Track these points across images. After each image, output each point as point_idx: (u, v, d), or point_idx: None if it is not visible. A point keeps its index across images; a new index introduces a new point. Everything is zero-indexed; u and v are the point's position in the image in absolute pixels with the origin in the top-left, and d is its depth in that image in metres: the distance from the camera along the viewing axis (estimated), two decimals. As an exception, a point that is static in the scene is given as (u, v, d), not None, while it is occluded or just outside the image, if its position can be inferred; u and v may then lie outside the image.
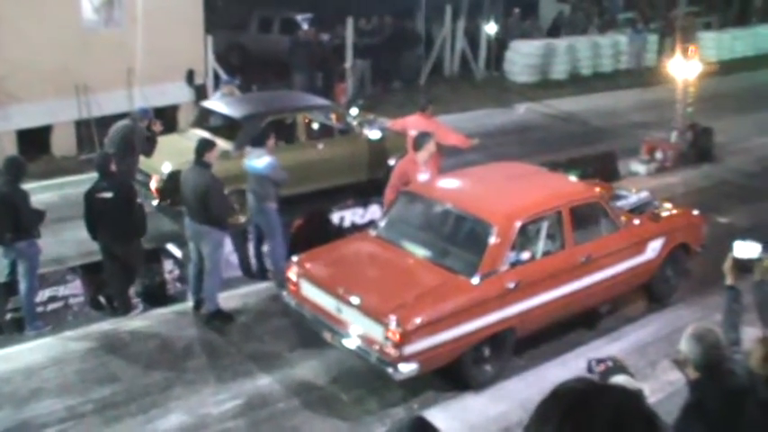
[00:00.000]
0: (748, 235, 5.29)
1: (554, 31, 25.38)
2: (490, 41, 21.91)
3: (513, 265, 7.76)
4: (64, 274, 9.08)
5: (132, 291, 9.12)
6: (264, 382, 7.84)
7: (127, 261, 8.93)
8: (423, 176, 9.11)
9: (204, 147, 8.92)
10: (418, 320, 7.03)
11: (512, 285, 7.60)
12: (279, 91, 16.57)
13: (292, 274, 8.23)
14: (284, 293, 8.57)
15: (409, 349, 6.99)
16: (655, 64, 24.04)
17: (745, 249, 4.96)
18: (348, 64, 19.40)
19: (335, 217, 10.86)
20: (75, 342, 8.53)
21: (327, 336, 7.79)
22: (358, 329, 7.40)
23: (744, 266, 4.96)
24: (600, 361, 3.68)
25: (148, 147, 10.71)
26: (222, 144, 10.66)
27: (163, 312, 9.20)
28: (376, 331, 7.16)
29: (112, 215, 8.67)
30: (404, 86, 20.64)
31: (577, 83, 22.79)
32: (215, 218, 8.71)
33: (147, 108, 11.28)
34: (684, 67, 14.83)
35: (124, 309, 9.03)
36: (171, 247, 9.83)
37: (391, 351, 7.00)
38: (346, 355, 7.86)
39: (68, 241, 10.41)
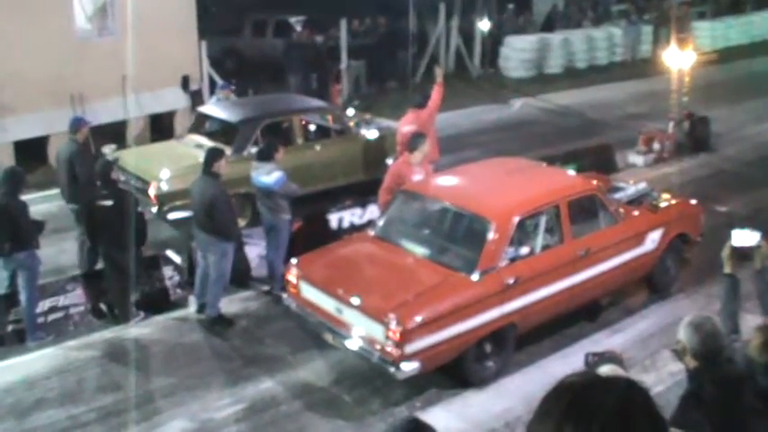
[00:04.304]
0: (746, 223, 5.28)
1: (548, 25, 25.38)
2: (484, 38, 21.92)
3: (512, 260, 7.76)
4: (64, 284, 9.07)
5: (132, 299, 9.10)
6: (267, 385, 7.84)
7: (126, 269, 8.91)
8: (417, 177, 9.10)
9: (212, 156, 8.85)
10: (418, 319, 7.03)
11: (511, 281, 7.59)
12: (274, 94, 16.55)
13: (292, 276, 8.22)
14: (284, 296, 8.58)
15: (410, 348, 6.98)
16: (650, 55, 24.09)
17: (743, 237, 4.95)
18: (343, 65, 19.40)
19: (334, 218, 10.84)
20: (77, 351, 8.53)
21: (329, 337, 7.79)
22: (359, 330, 7.39)
23: (742, 254, 4.95)
24: (596, 355, 3.69)
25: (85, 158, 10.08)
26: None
27: (164, 319, 9.20)
28: (377, 331, 7.15)
29: (113, 223, 8.65)
30: (399, 86, 20.65)
31: (573, 76, 22.80)
32: (219, 229, 8.68)
33: (79, 117, 10.88)
34: (679, 58, 14.84)
35: (125, 316, 9.03)
36: (170, 254, 9.82)
37: (392, 350, 6.99)
38: (348, 356, 7.86)
39: (68, 251, 10.39)
